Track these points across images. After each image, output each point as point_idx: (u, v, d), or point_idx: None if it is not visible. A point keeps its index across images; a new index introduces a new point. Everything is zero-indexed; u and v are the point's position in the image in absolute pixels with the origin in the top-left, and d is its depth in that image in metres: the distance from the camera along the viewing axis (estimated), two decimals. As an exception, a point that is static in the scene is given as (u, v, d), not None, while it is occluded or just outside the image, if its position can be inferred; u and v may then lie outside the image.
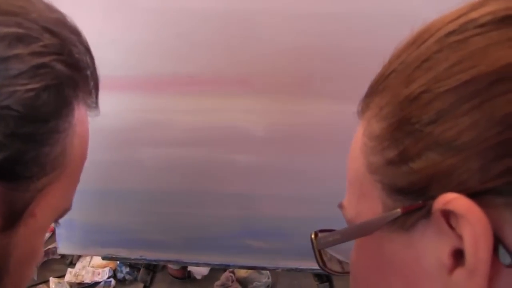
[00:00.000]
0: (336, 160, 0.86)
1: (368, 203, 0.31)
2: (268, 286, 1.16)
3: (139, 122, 0.86)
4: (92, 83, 0.37)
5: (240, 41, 0.81)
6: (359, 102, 0.35)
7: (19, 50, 0.29)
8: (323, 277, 0.94)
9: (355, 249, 0.35)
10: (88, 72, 0.36)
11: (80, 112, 0.36)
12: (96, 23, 0.83)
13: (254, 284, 1.14)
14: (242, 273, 1.16)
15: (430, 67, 0.26)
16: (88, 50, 0.36)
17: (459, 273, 0.24)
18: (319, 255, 0.40)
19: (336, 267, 0.43)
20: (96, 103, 0.38)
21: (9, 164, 0.30)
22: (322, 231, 0.38)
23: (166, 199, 0.89)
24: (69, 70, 0.32)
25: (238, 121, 0.83)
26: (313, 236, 0.38)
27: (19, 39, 0.29)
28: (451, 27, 0.27)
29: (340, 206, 0.36)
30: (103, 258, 0.96)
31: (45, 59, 0.30)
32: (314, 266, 0.90)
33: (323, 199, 0.87)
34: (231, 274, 1.14)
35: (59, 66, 0.31)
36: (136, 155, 0.87)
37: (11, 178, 0.31)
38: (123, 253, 0.95)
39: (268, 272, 1.17)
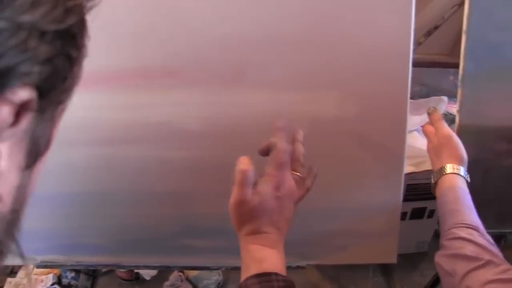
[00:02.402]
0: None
1: None
2: (219, 283, 1.13)
3: (65, 122, 0.80)
4: None
5: (166, 31, 0.76)
6: None
7: None
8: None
9: None
10: None
11: None
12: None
13: (205, 282, 1.10)
14: (192, 271, 1.12)
15: None
16: None
17: None
18: None
19: None
20: None
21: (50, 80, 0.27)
22: None
23: (99, 201, 0.84)
24: None
25: (169, 116, 0.79)
26: None
27: None
28: None
29: None
30: (37, 267, 0.90)
31: None
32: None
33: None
34: (180, 274, 1.11)
35: None
36: (66, 155, 0.82)
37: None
38: (59, 259, 0.90)
39: (219, 269, 1.13)
